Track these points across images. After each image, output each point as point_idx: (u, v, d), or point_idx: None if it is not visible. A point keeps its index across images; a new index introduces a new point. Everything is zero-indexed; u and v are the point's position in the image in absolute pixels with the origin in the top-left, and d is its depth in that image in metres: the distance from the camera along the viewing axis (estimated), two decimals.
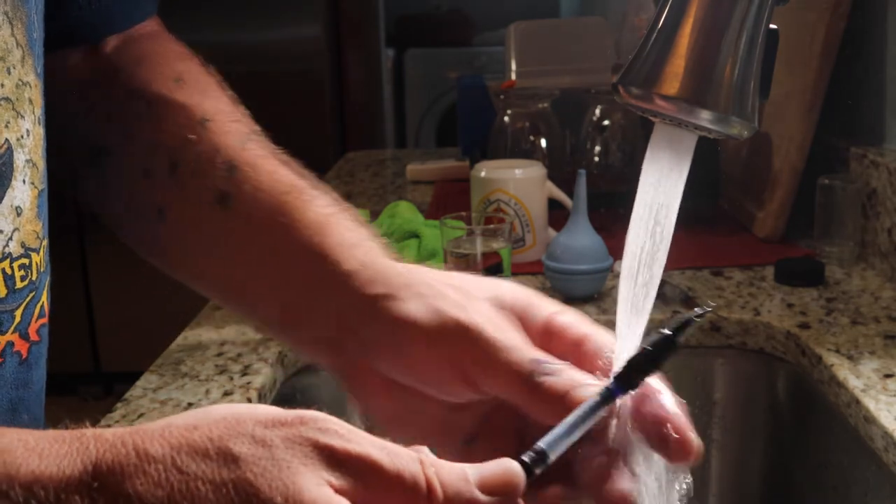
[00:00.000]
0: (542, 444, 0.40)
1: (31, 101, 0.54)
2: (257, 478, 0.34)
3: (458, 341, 0.46)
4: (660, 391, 0.44)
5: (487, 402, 0.50)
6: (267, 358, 0.97)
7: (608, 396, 0.42)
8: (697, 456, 0.43)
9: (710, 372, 1.06)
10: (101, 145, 0.63)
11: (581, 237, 1.11)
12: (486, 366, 0.46)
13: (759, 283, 1.15)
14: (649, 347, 0.43)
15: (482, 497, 0.37)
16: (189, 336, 1.04)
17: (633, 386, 0.42)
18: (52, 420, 0.62)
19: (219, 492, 0.33)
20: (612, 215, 1.28)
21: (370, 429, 0.50)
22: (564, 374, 0.44)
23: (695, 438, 0.43)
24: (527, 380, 0.44)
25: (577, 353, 0.47)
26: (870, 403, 0.81)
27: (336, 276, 0.52)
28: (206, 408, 0.37)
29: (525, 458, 0.39)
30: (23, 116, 0.53)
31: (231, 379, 0.93)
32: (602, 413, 0.42)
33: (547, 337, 0.48)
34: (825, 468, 0.94)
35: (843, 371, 0.88)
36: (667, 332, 0.43)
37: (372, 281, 0.51)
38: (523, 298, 0.49)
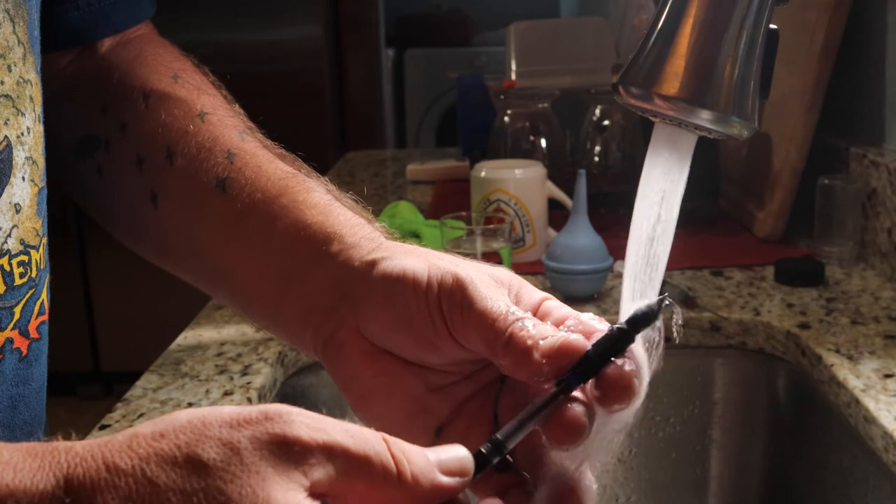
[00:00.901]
0: (499, 434, 0.42)
1: (31, 98, 0.54)
2: (227, 485, 0.34)
3: (449, 290, 0.47)
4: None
5: (463, 389, 0.50)
6: (267, 358, 0.97)
7: (565, 388, 0.43)
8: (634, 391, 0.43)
9: (710, 372, 1.06)
10: (93, 135, 0.63)
11: (581, 237, 1.11)
12: (468, 311, 0.46)
13: (759, 283, 1.15)
14: (604, 340, 0.44)
15: (444, 478, 0.38)
16: (189, 336, 1.04)
17: (587, 378, 0.44)
18: (52, 419, 0.62)
19: (189, 500, 0.33)
20: (612, 215, 1.28)
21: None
22: (537, 328, 0.45)
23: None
24: (501, 329, 0.45)
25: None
26: (870, 403, 0.82)
27: (338, 249, 0.52)
28: (172, 413, 0.37)
29: (483, 449, 0.41)
30: (23, 114, 0.53)
31: (231, 379, 0.93)
32: (557, 403, 0.43)
33: (537, 317, 0.48)
34: (825, 468, 0.94)
35: (843, 371, 0.88)
36: (623, 326, 0.44)
37: (372, 250, 0.52)
38: (517, 282, 0.50)
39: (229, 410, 0.36)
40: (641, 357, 0.44)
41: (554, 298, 0.49)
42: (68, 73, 0.66)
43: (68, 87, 0.65)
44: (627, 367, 0.43)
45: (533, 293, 0.49)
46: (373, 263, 0.51)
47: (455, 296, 0.47)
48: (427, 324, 0.48)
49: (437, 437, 0.50)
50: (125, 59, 0.65)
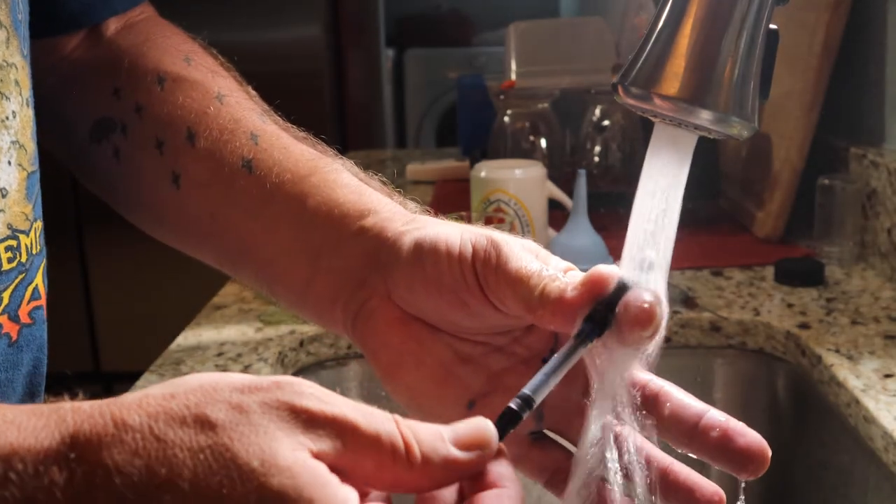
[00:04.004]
0: (526, 389, 0.42)
1: (17, 82, 0.54)
2: (234, 443, 0.34)
3: (483, 251, 0.48)
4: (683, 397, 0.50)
5: (495, 362, 0.50)
6: (267, 358, 0.97)
7: (584, 339, 0.44)
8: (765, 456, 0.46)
9: (710, 372, 1.06)
10: (108, 117, 0.63)
11: (581, 237, 1.11)
12: (503, 270, 0.47)
13: (759, 283, 1.15)
14: (615, 289, 0.45)
15: (459, 453, 0.37)
16: (189, 336, 1.04)
17: (605, 327, 0.44)
18: None
19: (196, 457, 0.33)
20: (612, 215, 1.28)
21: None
22: (567, 278, 0.46)
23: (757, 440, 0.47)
24: (536, 284, 0.46)
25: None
26: (870, 403, 0.81)
27: (372, 223, 0.53)
28: (183, 377, 0.37)
29: (512, 404, 0.41)
30: (8, 98, 0.53)
31: None
32: (580, 354, 0.44)
33: None
34: (825, 468, 0.94)
35: (843, 371, 0.88)
36: (624, 278, 0.45)
37: (407, 222, 0.52)
38: (545, 253, 0.50)
39: (240, 377, 0.36)
40: (660, 291, 0.45)
41: (577, 269, 0.49)
42: (74, 57, 0.66)
43: (76, 72, 0.65)
44: (647, 297, 0.44)
45: (559, 262, 0.49)
46: (406, 233, 0.51)
47: (490, 256, 0.47)
48: (459, 285, 0.48)
49: (469, 409, 0.50)
50: (134, 42, 0.65)
